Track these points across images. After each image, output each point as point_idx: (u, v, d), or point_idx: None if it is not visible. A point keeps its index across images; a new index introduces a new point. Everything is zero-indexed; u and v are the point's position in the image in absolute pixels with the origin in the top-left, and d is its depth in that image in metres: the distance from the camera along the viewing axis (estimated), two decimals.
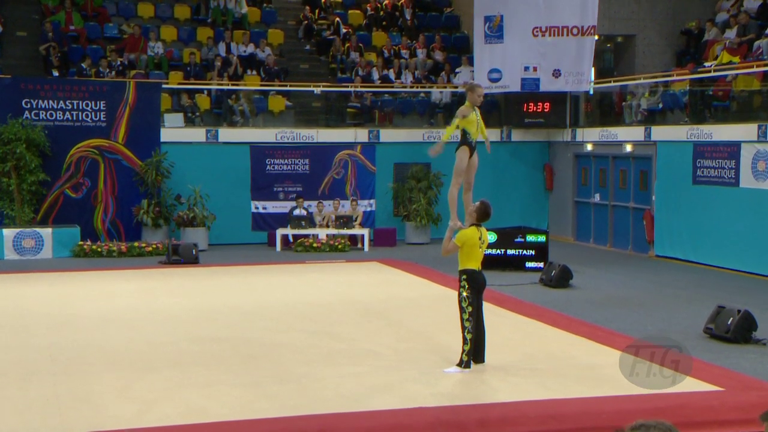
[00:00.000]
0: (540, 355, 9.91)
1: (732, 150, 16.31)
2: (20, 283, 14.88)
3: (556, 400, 8.16)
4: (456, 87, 22.05)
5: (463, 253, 9.07)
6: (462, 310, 9.02)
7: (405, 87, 22.60)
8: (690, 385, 8.61)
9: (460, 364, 9.06)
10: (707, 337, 10.82)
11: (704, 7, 22.75)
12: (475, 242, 9.04)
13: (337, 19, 24.29)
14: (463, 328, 9.02)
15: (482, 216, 9.15)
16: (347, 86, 22.05)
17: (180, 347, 10.25)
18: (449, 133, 9.92)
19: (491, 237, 16.20)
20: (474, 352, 9.12)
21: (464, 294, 9.02)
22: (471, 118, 9.62)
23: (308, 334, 10.97)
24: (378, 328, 11.36)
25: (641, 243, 18.95)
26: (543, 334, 11.06)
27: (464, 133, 9.66)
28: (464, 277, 9.04)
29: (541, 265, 15.98)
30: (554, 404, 8.06)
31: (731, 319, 10.60)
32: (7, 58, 21.48)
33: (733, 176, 16.31)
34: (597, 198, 20.61)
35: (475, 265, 9.06)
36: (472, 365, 9.09)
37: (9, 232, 17.85)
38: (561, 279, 14.63)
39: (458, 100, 22.20)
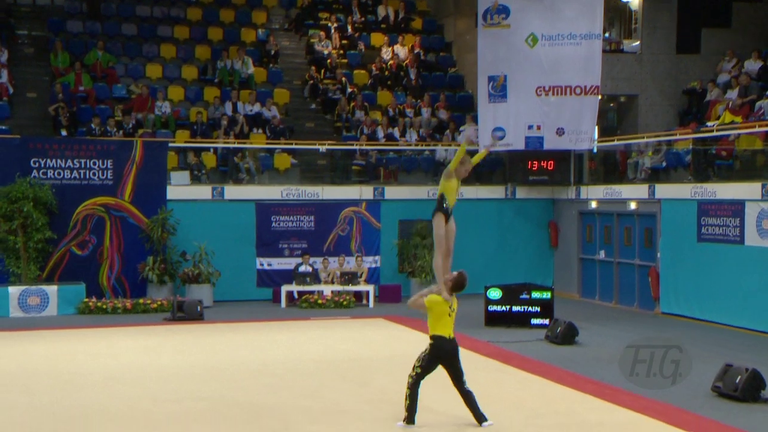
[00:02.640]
0: (546, 413, 9.84)
1: (736, 208, 16.36)
2: (25, 341, 14.85)
3: None
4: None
5: (431, 319, 9.10)
6: (412, 367, 9.10)
7: (410, 145, 22.79)
8: None
9: (404, 420, 9.12)
10: (715, 396, 10.73)
11: (705, 67, 23.04)
12: (444, 310, 9.02)
13: (344, 78, 24.60)
14: (407, 384, 9.08)
15: (457, 287, 9.07)
16: (352, 144, 22.25)
17: (184, 405, 10.21)
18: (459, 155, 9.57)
19: (497, 293, 16.40)
20: (474, 415, 9.11)
21: (422, 355, 9.08)
22: (453, 185, 9.65)
23: (313, 391, 10.93)
24: (383, 385, 11.30)
25: (647, 300, 18.90)
26: (549, 392, 10.99)
27: (442, 198, 9.63)
28: (431, 342, 9.10)
29: (547, 321, 15.92)
30: None
31: (739, 377, 10.52)
32: (17, 118, 21.74)
33: (738, 234, 16.33)
34: (602, 255, 20.61)
35: (444, 331, 9.04)
36: (416, 421, 9.07)
37: (14, 290, 17.87)
38: (567, 336, 14.58)
39: None
